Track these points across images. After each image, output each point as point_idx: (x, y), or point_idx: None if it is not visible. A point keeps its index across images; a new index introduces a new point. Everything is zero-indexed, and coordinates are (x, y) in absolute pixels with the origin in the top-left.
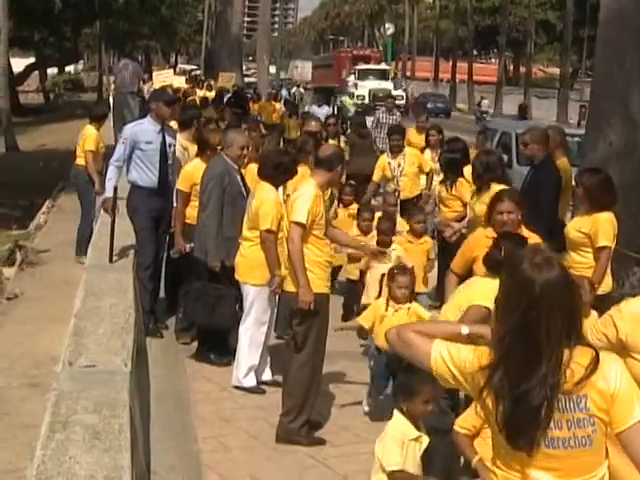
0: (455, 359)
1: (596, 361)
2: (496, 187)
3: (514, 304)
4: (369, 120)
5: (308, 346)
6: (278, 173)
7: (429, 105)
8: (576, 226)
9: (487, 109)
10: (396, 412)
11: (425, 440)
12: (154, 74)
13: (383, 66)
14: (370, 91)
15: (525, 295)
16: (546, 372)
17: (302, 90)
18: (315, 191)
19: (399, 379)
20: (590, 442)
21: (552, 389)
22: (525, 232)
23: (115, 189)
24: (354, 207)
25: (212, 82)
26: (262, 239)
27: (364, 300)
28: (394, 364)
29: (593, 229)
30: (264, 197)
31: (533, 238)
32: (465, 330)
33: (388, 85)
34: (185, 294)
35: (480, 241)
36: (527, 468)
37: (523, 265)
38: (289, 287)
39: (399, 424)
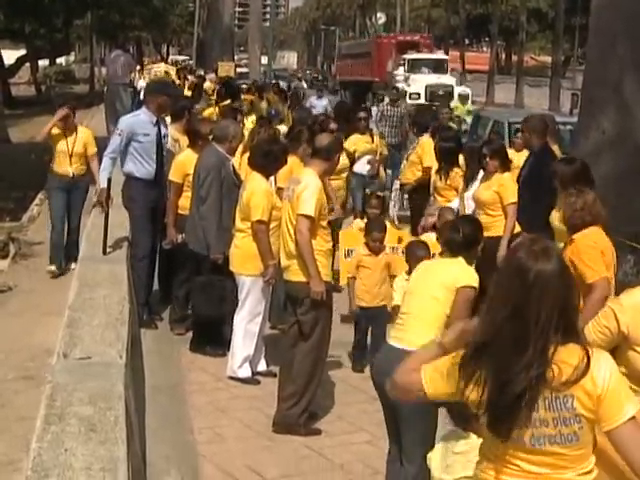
0: (445, 377)
1: (587, 363)
2: (502, 175)
3: (507, 290)
4: (373, 113)
5: (315, 334)
6: (268, 162)
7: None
8: (558, 216)
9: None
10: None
11: None
12: (145, 67)
13: (439, 55)
14: (427, 88)
15: (518, 282)
16: (531, 359)
17: (304, 84)
18: (318, 183)
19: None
20: (577, 438)
21: (537, 379)
22: None
23: (109, 181)
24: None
25: (203, 72)
26: (254, 230)
27: None
28: None
29: None
30: (255, 188)
31: None
32: (440, 342)
33: (448, 80)
34: (190, 288)
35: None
36: (514, 459)
37: (520, 253)
38: (292, 277)
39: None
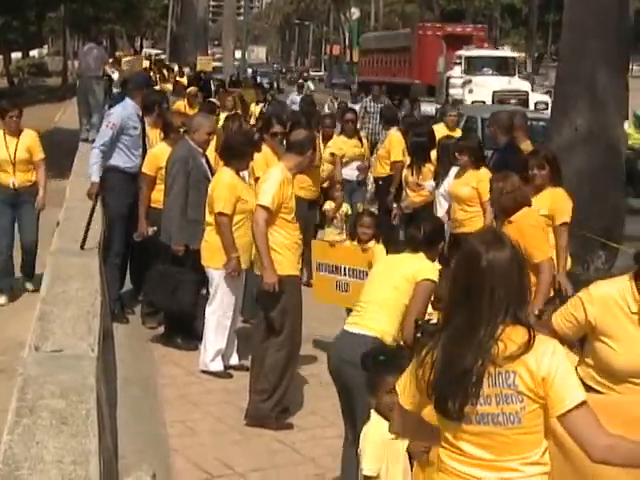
0: (408, 378)
1: (530, 341)
2: (478, 170)
3: (463, 277)
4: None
5: (285, 329)
6: (234, 155)
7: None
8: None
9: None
10: (372, 412)
11: None
12: (123, 60)
13: (506, 52)
14: (494, 95)
15: (472, 268)
16: (482, 340)
17: (311, 85)
18: (282, 175)
19: (366, 376)
20: (519, 419)
21: (483, 358)
22: None
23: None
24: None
25: (177, 67)
26: (216, 222)
27: None
28: (367, 361)
29: (552, 207)
30: (218, 180)
31: None
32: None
33: (521, 84)
34: (147, 276)
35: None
36: (460, 442)
37: (473, 240)
38: (259, 270)
39: (377, 425)
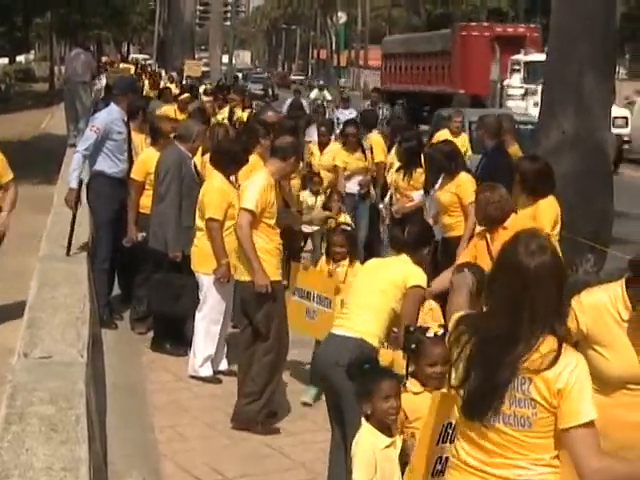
0: None
1: (556, 355)
2: (459, 175)
3: (506, 288)
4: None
5: (272, 334)
6: (227, 161)
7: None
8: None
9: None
10: (363, 421)
11: (399, 443)
12: (110, 70)
13: None
14: None
15: (517, 280)
16: (516, 355)
17: (327, 95)
18: (266, 180)
19: (355, 385)
20: (529, 424)
21: (512, 371)
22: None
23: (81, 182)
24: (346, 265)
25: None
26: (207, 227)
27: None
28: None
29: (533, 215)
30: (208, 185)
31: None
32: None
33: None
34: (147, 285)
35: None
36: (475, 438)
37: (517, 249)
38: (242, 276)
39: (368, 435)
